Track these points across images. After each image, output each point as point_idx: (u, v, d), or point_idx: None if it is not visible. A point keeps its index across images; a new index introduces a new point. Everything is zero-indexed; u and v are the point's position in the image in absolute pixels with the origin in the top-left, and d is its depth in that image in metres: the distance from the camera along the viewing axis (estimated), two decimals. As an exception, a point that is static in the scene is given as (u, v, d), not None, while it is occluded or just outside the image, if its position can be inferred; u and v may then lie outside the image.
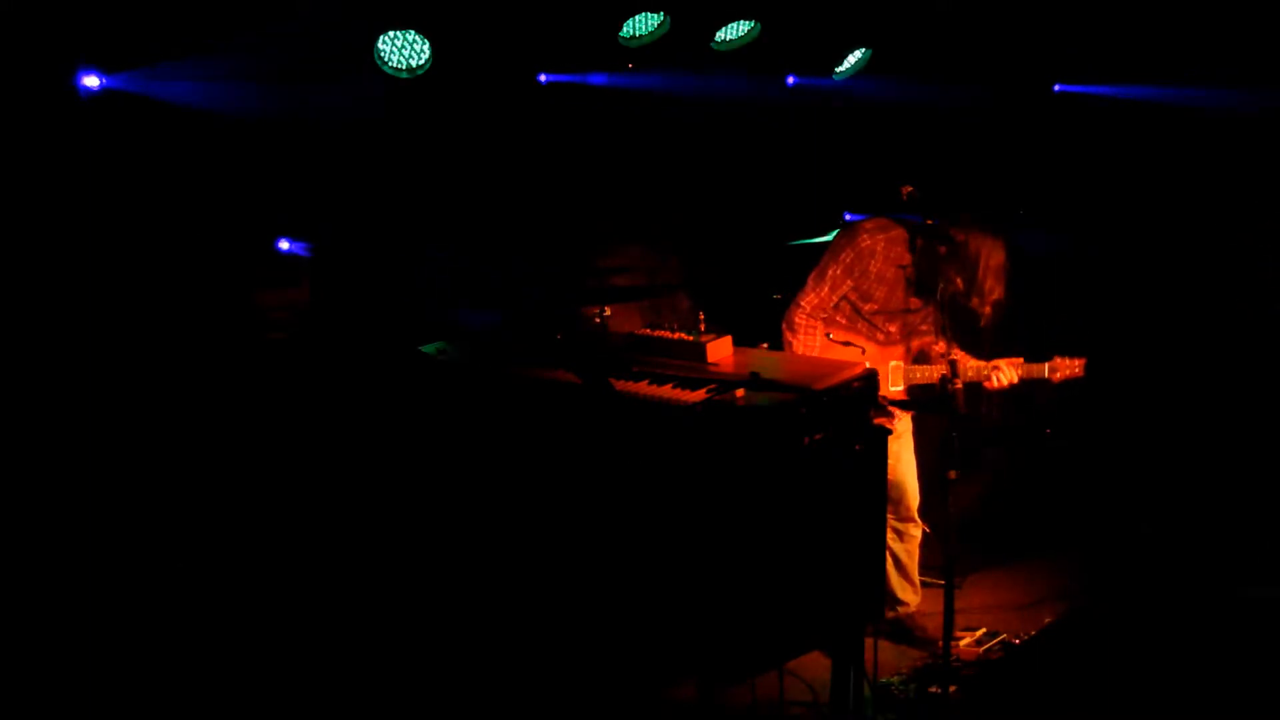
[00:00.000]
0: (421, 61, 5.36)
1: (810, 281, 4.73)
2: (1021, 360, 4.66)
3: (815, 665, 4.54)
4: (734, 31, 6.16)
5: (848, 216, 6.51)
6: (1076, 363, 4.67)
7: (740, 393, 3.74)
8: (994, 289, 4.49)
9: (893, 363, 4.74)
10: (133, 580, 4.77)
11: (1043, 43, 6.50)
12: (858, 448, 3.82)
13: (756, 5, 6.03)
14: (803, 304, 4.69)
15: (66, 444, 4.78)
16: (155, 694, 4.35)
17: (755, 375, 3.86)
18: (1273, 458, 5.88)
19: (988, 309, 4.51)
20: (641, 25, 5.95)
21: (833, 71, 6.56)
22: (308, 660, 4.61)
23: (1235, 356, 6.29)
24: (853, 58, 6.52)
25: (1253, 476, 5.90)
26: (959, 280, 4.45)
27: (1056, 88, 6.81)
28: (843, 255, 4.67)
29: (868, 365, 4.60)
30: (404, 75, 5.36)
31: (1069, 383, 4.73)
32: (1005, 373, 4.61)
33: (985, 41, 6.52)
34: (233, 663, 4.55)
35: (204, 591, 4.86)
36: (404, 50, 5.34)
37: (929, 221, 4.41)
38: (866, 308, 4.70)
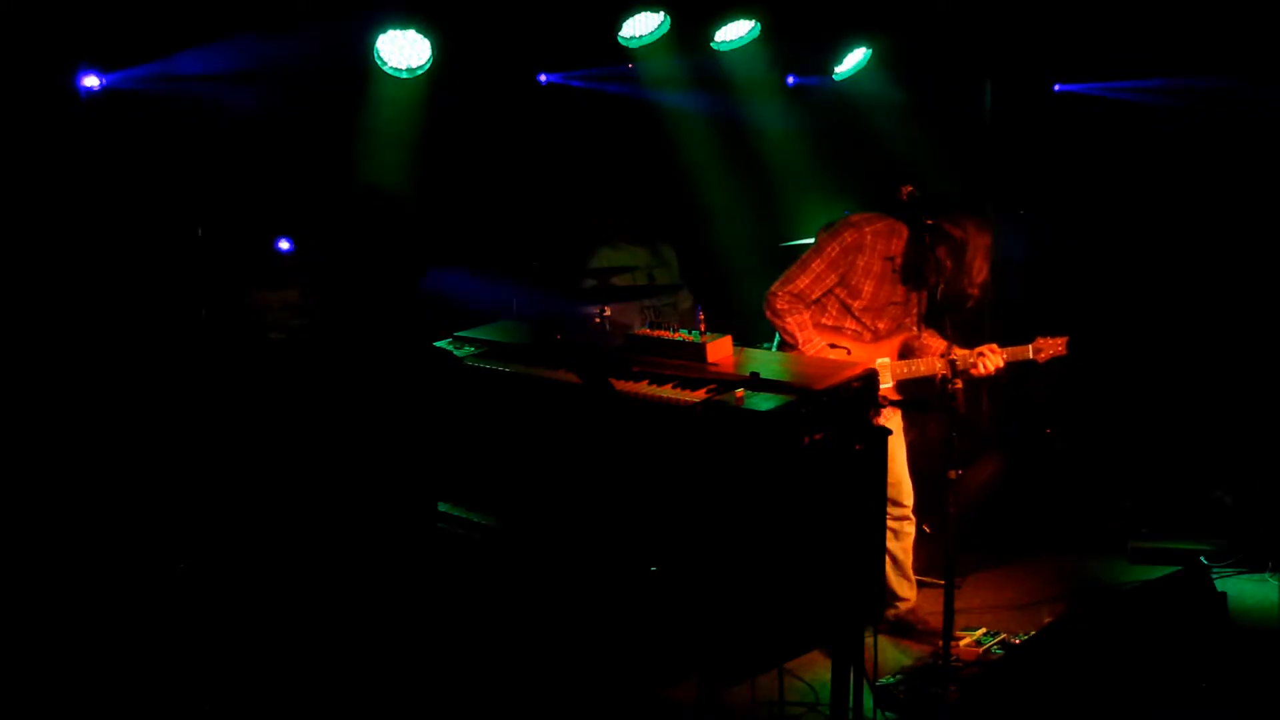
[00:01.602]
0: (422, 61, 5.36)
1: (790, 271, 4.72)
2: (996, 345, 4.70)
3: (815, 665, 4.54)
4: (734, 31, 6.16)
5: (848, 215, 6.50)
6: (1059, 341, 4.73)
7: (740, 393, 3.74)
8: (982, 269, 4.55)
9: (880, 360, 4.74)
10: (133, 580, 4.77)
11: (1043, 43, 6.50)
12: (858, 448, 3.82)
13: (756, 5, 6.03)
14: (780, 292, 4.68)
15: (66, 443, 4.78)
16: (155, 694, 4.35)
17: (755, 375, 3.86)
18: (1271, 450, 5.89)
19: (975, 290, 4.55)
20: (641, 25, 5.95)
21: (832, 72, 6.55)
22: (308, 659, 4.61)
23: (1235, 354, 6.29)
24: (853, 58, 6.52)
25: (1251, 468, 5.91)
26: (949, 263, 4.49)
27: (1056, 88, 6.81)
28: (827, 249, 4.67)
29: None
30: (404, 75, 5.36)
31: (1059, 366, 4.78)
32: (991, 358, 4.64)
33: (985, 41, 6.53)
34: (234, 662, 4.54)
35: (205, 592, 4.86)
36: (404, 51, 5.34)
37: (929, 221, 4.41)
38: (856, 305, 4.70)
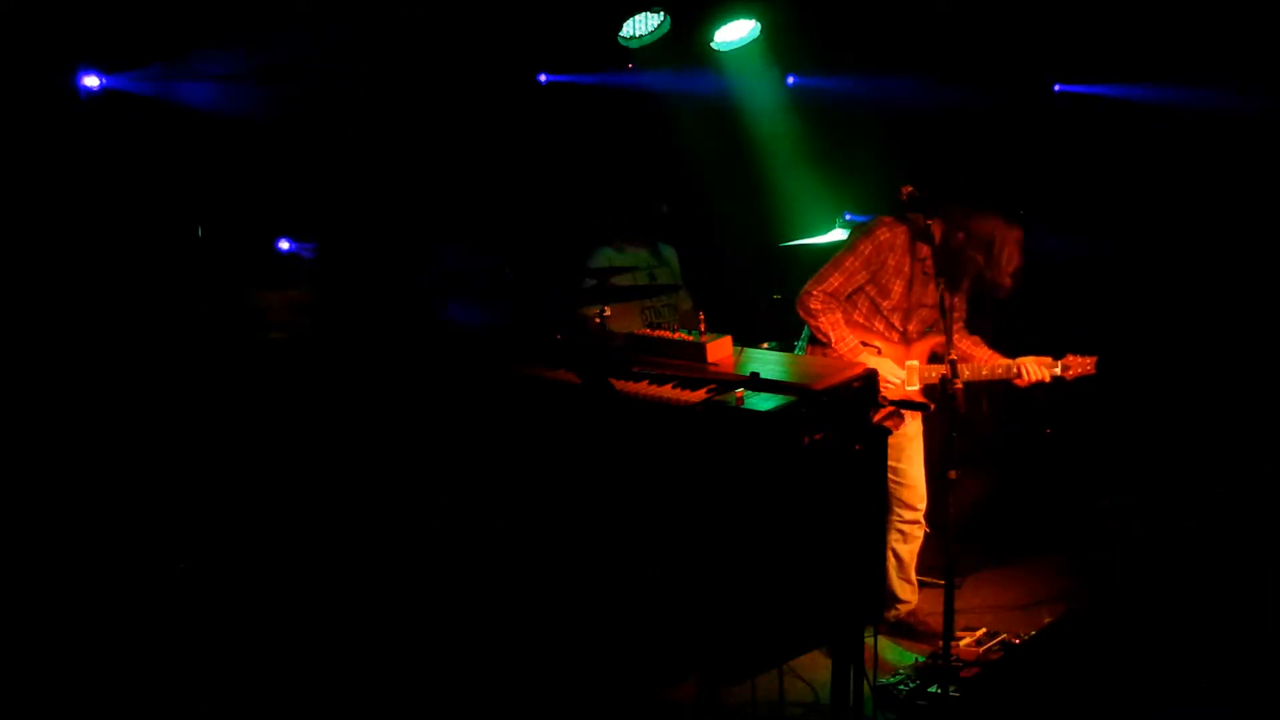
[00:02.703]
0: None
1: (824, 269, 4.72)
2: (1050, 359, 4.71)
3: (815, 665, 4.54)
4: (734, 31, 6.15)
5: (848, 217, 6.51)
6: (1089, 361, 4.74)
7: (740, 393, 3.74)
8: (1012, 257, 4.57)
9: (909, 362, 4.75)
10: (133, 580, 4.78)
11: (1043, 43, 6.50)
12: (858, 448, 3.82)
13: (756, 5, 6.03)
14: (815, 291, 4.68)
15: (66, 443, 4.78)
16: (155, 694, 4.35)
17: (755, 375, 3.87)
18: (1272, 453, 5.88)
19: (1008, 280, 4.57)
20: (641, 25, 5.95)
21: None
22: (306, 660, 4.61)
23: (1235, 353, 6.29)
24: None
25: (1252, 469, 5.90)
26: (979, 256, 4.51)
27: (1056, 88, 6.81)
28: (860, 247, 4.68)
29: (884, 364, 4.63)
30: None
31: (1078, 381, 4.79)
32: (1034, 370, 4.67)
33: (985, 41, 6.53)
34: (233, 662, 4.54)
35: (204, 592, 4.86)
36: None
37: (925, 222, 4.43)
38: (885, 304, 4.71)
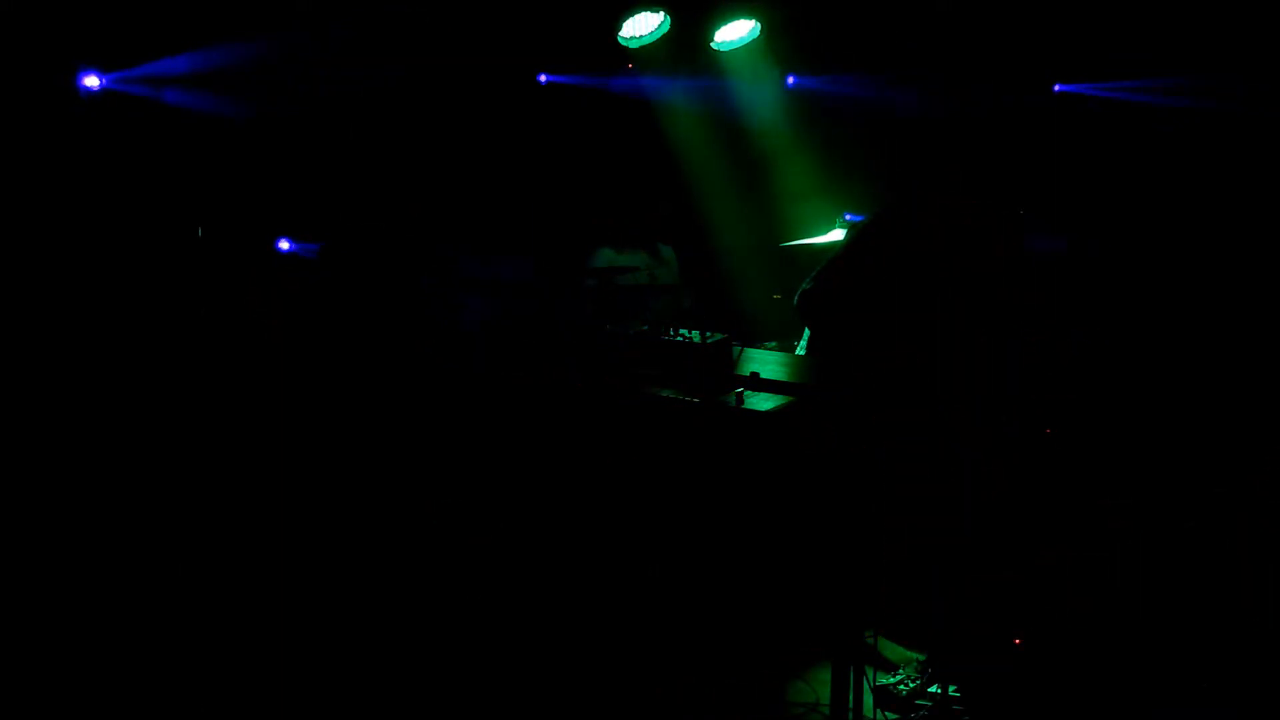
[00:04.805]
0: None
1: (819, 270, 4.74)
2: None
3: (815, 665, 4.54)
4: (734, 31, 6.16)
5: (848, 217, 6.51)
6: None
7: (740, 393, 3.75)
8: (1006, 255, 4.56)
9: None
10: (133, 580, 4.78)
11: (1043, 43, 6.51)
12: (859, 448, 3.82)
13: (757, 5, 6.04)
14: (810, 291, 4.69)
15: (65, 442, 4.79)
16: (155, 694, 4.35)
17: (755, 375, 3.87)
18: (1271, 454, 5.89)
19: (1001, 276, 4.58)
20: (641, 25, 5.95)
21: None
22: (306, 660, 4.61)
23: (1235, 353, 6.30)
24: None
25: (1252, 469, 5.91)
26: (973, 253, 4.53)
27: (1056, 88, 6.82)
28: (853, 244, 4.69)
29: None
30: None
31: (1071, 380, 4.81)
32: None
33: (985, 41, 6.53)
34: (232, 662, 4.55)
35: (203, 592, 4.86)
36: None
37: (924, 219, 4.44)
38: (881, 299, 4.72)
